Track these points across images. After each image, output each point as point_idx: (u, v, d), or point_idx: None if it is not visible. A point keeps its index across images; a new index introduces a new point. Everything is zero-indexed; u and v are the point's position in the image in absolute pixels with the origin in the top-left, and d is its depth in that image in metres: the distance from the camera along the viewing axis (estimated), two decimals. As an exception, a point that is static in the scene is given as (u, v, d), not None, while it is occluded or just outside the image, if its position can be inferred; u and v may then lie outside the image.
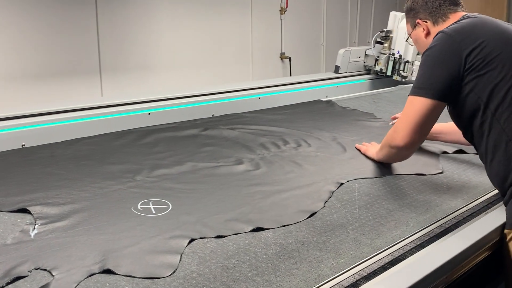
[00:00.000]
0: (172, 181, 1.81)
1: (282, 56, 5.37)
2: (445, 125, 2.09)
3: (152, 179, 1.83)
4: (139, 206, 1.59)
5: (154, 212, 1.56)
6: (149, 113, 2.68)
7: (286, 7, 5.20)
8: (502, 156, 1.60)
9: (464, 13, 1.78)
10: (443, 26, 1.77)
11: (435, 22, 1.80)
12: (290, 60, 5.36)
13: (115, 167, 1.92)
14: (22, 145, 2.18)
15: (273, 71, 5.37)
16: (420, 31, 1.84)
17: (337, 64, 3.87)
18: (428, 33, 1.82)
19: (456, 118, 1.75)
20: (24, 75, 3.64)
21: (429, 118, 1.66)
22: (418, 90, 1.66)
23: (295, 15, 5.41)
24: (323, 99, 3.28)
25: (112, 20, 4.05)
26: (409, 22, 1.91)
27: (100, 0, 3.93)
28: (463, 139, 1.83)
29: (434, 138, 2.19)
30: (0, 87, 3.58)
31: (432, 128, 1.91)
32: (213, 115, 2.82)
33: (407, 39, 1.93)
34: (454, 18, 1.77)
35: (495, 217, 1.61)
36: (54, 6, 3.72)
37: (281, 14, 5.21)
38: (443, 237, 1.50)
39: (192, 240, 1.40)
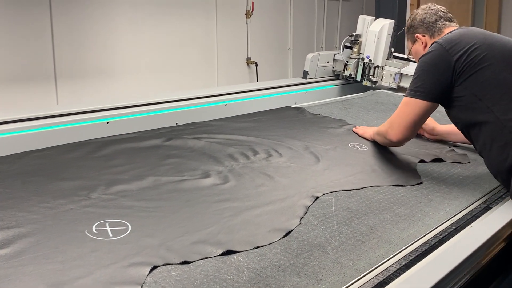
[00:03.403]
0: (132, 199, 1.64)
1: (249, 61, 5.23)
2: (453, 127, 2.13)
3: (109, 196, 1.65)
4: (93, 229, 1.42)
5: (111, 235, 1.39)
6: (107, 122, 2.49)
7: (252, 10, 5.07)
8: (499, 143, 1.74)
9: (456, 27, 2.03)
10: (438, 38, 1.96)
11: (431, 36, 2.06)
12: (256, 65, 5.23)
13: (67, 184, 1.73)
14: (-37, 159, 1.97)
15: (239, 77, 5.22)
16: (419, 45, 2.10)
17: (305, 69, 3.76)
18: (425, 46, 2.06)
19: (454, 117, 1.92)
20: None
21: (422, 118, 1.90)
22: (414, 92, 1.88)
23: (261, 19, 5.29)
24: (293, 106, 3.16)
25: (68, 22, 3.81)
26: (409, 39, 2.17)
27: (55, 0, 3.69)
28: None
29: (444, 139, 2.40)
30: None
31: (442, 129, 2.36)
32: (177, 124, 2.66)
33: (408, 54, 2.20)
34: (448, 32, 1.98)
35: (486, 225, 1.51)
36: (4, 5, 3.47)
37: (246, 18, 5.07)
38: (430, 255, 1.39)
39: (154, 267, 1.24)
